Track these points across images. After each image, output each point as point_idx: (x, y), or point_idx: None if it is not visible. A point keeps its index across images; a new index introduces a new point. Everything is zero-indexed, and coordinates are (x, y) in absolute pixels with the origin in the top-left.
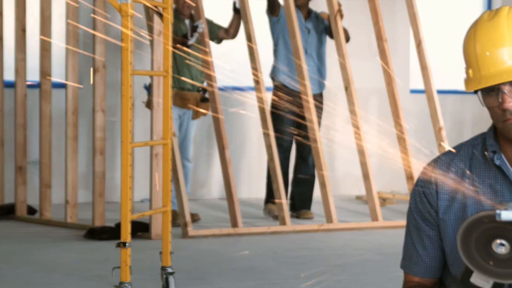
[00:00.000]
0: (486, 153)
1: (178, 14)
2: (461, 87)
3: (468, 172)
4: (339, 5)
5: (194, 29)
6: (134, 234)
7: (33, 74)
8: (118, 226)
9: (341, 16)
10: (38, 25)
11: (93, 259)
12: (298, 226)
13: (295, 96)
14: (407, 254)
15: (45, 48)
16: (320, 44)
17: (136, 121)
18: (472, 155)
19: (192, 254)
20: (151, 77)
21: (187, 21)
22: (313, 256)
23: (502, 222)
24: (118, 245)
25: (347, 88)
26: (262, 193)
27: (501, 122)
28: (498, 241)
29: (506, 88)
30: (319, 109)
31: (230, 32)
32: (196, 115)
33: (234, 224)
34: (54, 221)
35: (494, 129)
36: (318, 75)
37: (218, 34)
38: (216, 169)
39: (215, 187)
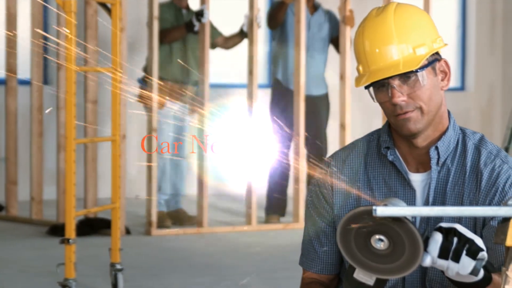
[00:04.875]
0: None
1: (175, 5)
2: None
3: (363, 168)
4: (351, 11)
5: (198, 14)
6: (97, 230)
7: None
8: (81, 222)
9: (350, 24)
10: (3, 21)
11: (51, 255)
12: (263, 225)
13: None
14: (305, 250)
15: (11, 45)
16: (323, 45)
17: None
18: (367, 150)
19: (152, 251)
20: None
21: (184, 11)
22: (273, 253)
23: (379, 217)
24: (62, 242)
25: (342, 76)
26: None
27: (393, 117)
28: (377, 236)
29: (395, 83)
30: (326, 109)
31: (228, 45)
32: (191, 110)
33: (199, 223)
34: (20, 218)
35: (388, 124)
36: (321, 74)
37: (216, 39)
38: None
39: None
